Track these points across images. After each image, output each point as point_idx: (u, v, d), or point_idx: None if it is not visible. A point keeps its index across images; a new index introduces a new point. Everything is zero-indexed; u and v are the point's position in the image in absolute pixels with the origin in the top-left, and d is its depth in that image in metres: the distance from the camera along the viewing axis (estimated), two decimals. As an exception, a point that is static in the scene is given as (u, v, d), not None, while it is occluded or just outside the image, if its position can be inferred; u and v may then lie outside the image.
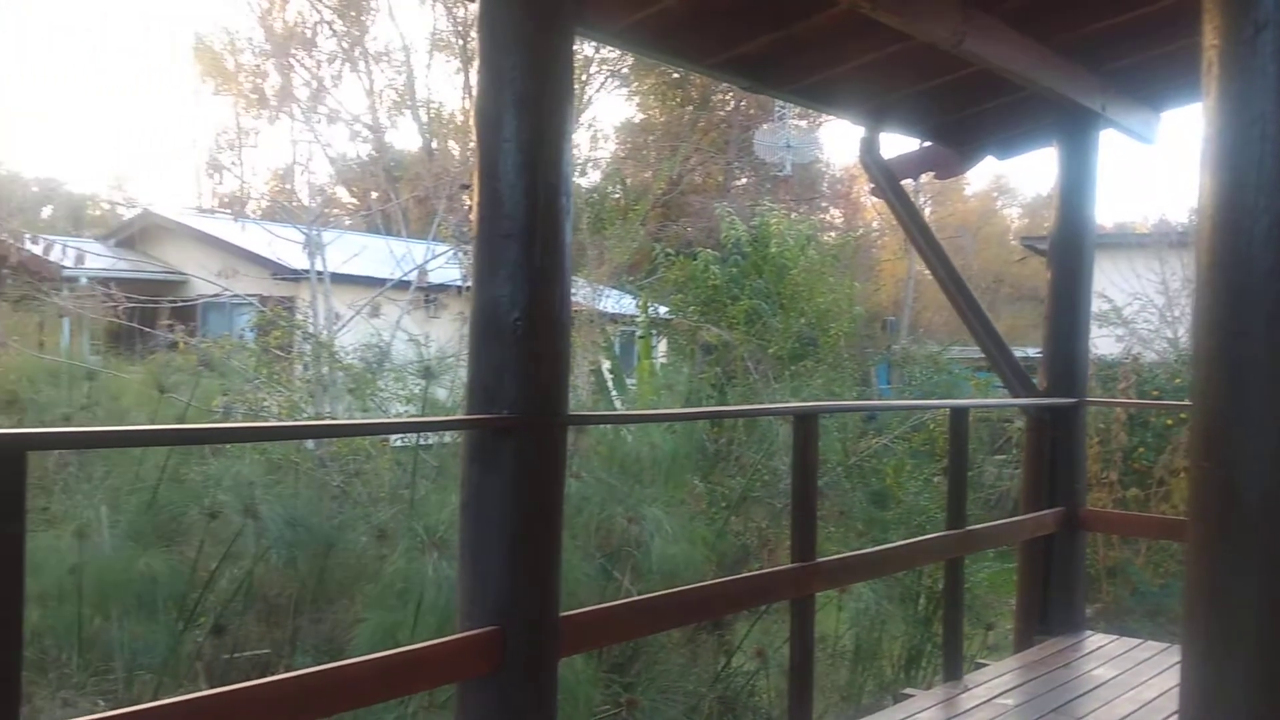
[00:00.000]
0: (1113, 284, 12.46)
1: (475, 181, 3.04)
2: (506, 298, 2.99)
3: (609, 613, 3.68)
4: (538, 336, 3.02)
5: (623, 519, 6.37)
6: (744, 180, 29.72)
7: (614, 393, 10.35)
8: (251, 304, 11.51)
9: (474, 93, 3.10)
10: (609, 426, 7.56)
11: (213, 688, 3.12)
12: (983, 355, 6.42)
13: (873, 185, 6.26)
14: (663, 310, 14.09)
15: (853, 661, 7.12)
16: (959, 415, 5.40)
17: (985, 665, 5.54)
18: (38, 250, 12.84)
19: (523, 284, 2.99)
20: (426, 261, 11.25)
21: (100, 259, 17.50)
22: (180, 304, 11.42)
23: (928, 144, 6.25)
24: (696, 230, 21.92)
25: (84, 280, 13.51)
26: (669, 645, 6.46)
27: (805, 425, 4.19)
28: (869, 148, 5.93)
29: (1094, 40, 5.06)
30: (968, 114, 6.01)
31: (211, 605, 6.11)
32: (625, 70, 28.59)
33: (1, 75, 42.59)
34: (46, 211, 28.97)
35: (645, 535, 6.27)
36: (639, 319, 12.41)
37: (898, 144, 6.20)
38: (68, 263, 13.33)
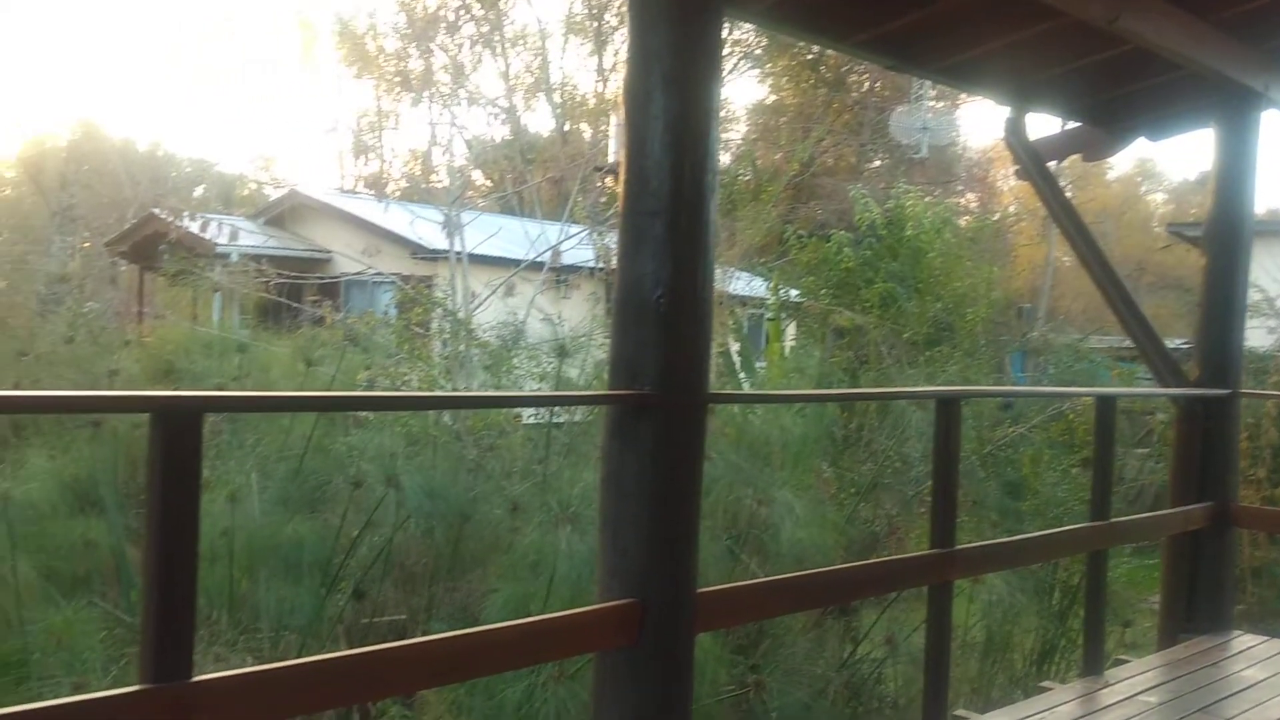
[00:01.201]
0: (1265, 272, 11.91)
1: (622, 159, 3.08)
2: (650, 275, 3.02)
3: (746, 591, 3.70)
4: (680, 314, 3.03)
5: (750, 501, 6.36)
6: (878, 163, 29.27)
7: (742, 375, 10.34)
8: (394, 282, 11.84)
9: (623, 71, 3.12)
10: (737, 408, 7.55)
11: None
12: (1122, 345, 6.23)
13: (1017, 167, 6.09)
14: (793, 293, 13.99)
15: (983, 653, 6.99)
16: (1106, 404, 5.24)
17: (1126, 661, 5.39)
18: (194, 227, 13.46)
19: (666, 261, 3.01)
20: (560, 242, 11.41)
21: (249, 237, 18.19)
22: (325, 280, 11.83)
23: (1073, 125, 6.07)
24: (827, 213, 21.69)
25: (235, 257, 14.07)
26: (794, 629, 6.44)
27: (948, 410, 4.12)
28: (1014, 128, 5.78)
29: (1258, 16, 4.84)
30: (1119, 94, 5.80)
31: (352, 571, 6.31)
32: (758, 52, 28.41)
33: (157, 60, 44.60)
34: (198, 191, 30.23)
35: (774, 518, 6.26)
36: (769, 301, 12.36)
37: (1040, 125, 6.04)
38: (221, 239, 13.91)
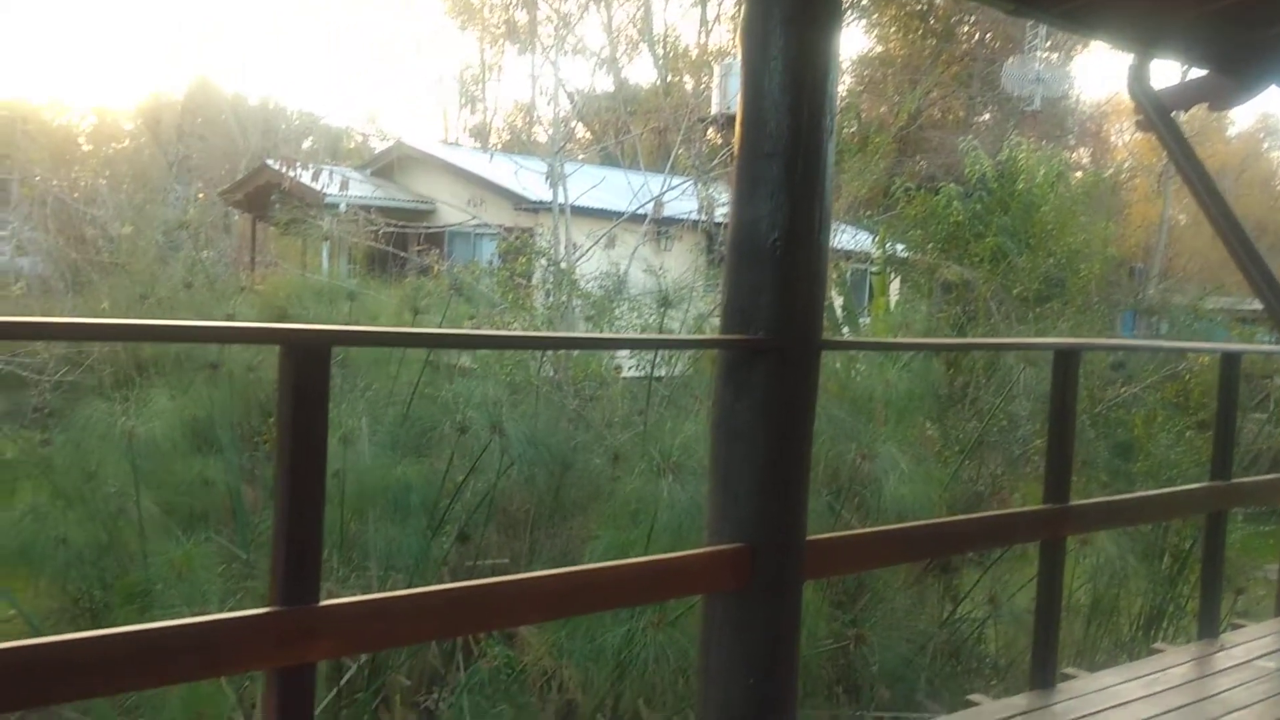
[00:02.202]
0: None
1: (739, 100, 3.03)
2: (766, 218, 2.96)
3: (855, 539, 3.67)
4: (796, 258, 2.97)
5: (852, 456, 6.31)
6: (987, 116, 28.51)
7: (844, 329, 10.23)
8: (497, 233, 11.95)
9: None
10: (840, 362, 7.48)
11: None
12: (1240, 306, 5.98)
13: (1140, 118, 5.86)
14: (899, 247, 13.76)
15: (1088, 616, 6.86)
16: (1231, 360, 5.05)
17: (1242, 626, 5.24)
18: (305, 178, 13.73)
19: (783, 204, 2.94)
20: (662, 193, 11.38)
21: (357, 187, 18.49)
22: (430, 230, 11.99)
23: (1198, 73, 5.81)
24: (934, 166, 21.23)
25: (343, 207, 14.31)
26: (895, 585, 6.40)
27: (1067, 362, 4.02)
28: (1138, 75, 5.55)
29: None
30: (1253, 38, 5.51)
31: (457, 514, 6.43)
32: (865, 2, 27.82)
33: (265, 13, 45.47)
34: (307, 143, 30.77)
35: (876, 473, 6.20)
36: (875, 255, 12.18)
37: (1159, 76, 5.79)
38: (331, 190, 14.16)
